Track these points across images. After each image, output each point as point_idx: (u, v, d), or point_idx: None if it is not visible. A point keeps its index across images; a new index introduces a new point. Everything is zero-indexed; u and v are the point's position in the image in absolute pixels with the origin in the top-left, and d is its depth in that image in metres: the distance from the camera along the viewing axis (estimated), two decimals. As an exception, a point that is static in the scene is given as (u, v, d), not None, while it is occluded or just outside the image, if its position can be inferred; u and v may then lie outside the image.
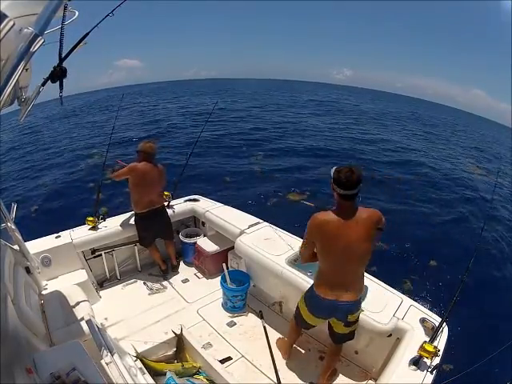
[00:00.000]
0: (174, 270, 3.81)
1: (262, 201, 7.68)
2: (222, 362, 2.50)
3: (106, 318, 2.98)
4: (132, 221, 3.57)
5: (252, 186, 8.60)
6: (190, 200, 4.16)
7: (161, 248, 3.76)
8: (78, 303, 2.62)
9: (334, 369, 2.53)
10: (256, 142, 13.37)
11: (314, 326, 2.39)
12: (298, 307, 2.37)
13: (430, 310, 2.48)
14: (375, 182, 9.40)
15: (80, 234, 3.33)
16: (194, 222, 4.26)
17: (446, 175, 11.38)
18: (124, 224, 3.55)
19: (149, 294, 3.42)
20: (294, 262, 2.86)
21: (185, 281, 3.67)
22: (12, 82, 0.88)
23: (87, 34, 1.39)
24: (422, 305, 2.53)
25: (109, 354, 1.73)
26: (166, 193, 3.80)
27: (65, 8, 1.11)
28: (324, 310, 2.17)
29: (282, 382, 2.39)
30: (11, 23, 0.88)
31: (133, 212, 3.64)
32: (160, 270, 3.73)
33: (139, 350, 2.45)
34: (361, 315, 2.29)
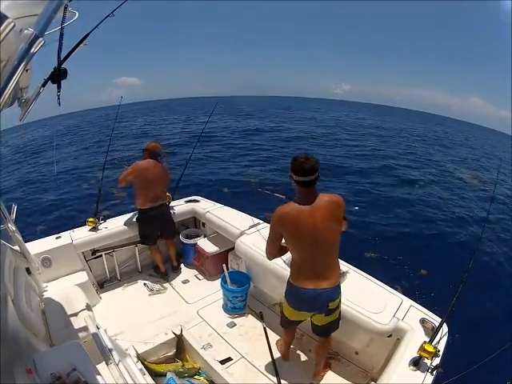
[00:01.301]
0: (175, 270, 3.82)
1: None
2: (222, 362, 2.50)
3: (106, 319, 2.98)
4: (132, 221, 3.57)
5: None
6: (190, 201, 4.16)
7: (161, 249, 3.75)
8: (78, 304, 2.62)
9: (327, 363, 2.55)
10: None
11: (299, 322, 2.39)
12: (282, 313, 2.37)
13: (430, 310, 2.48)
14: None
15: (80, 234, 3.33)
16: (195, 223, 4.26)
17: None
18: (124, 225, 3.55)
19: (149, 295, 3.43)
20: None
21: (185, 281, 3.68)
22: (12, 82, 0.88)
23: (87, 34, 1.39)
24: (422, 305, 2.53)
25: (109, 354, 1.73)
26: (167, 194, 3.82)
27: (65, 9, 1.11)
28: (305, 301, 2.13)
29: (282, 382, 2.39)
30: (11, 24, 0.88)
31: (133, 213, 3.65)
32: (159, 272, 3.73)
33: (139, 351, 2.45)
34: (361, 316, 2.29)
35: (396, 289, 2.66)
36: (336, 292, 2.10)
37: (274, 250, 2.20)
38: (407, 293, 2.69)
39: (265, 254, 2.93)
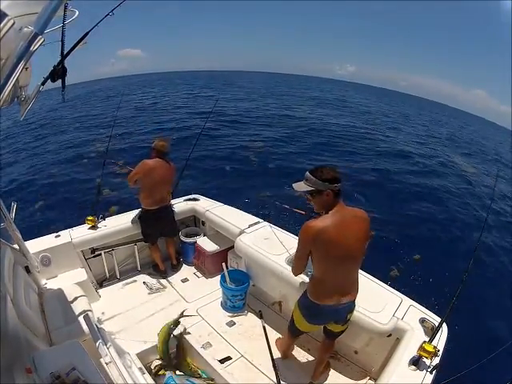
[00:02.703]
0: (174, 269, 3.82)
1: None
2: (222, 361, 2.50)
3: (105, 318, 2.98)
4: (132, 220, 3.57)
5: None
6: (189, 199, 4.15)
7: (161, 248, 3.75)
8: (77, 303, 2.62)
9: (327, 362, 2.55)
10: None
11: (306, 333, 2.39)
12: (293, 323, 2.31)
13: (430, 310, 2.48)
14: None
15: (80, 233, 3.32)
16: (194, 222, 4.26)
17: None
18: (124, 223, 3.55)
19: (148, 294, 3.42)
20: (294, 262, 2.86)
21: (184, 280, 3.68)
22: (12, 81, 0.87)
23: (87, 33, 1.38)
24: (422, 305, 2.53)
25: (108, 353, 1.73)
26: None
27: (65, 7, 1.11)
28: (324, 316, 2.14)
29: (281, 381, 2.39)
30: (11, 22, 0.88)
31: (133, 211, 3.64)
32: (158, 271, 3.73)
33: (139, 350, 2.45)
34: (360, 315, 2.29)
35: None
36: (354, 303, 2.12)
37: (303, 267, 2.06)
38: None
39: (264, 253, 2.95)
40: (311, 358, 2.68)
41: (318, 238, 1.83)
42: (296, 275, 2.20)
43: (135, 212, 3.67)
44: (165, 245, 3.83)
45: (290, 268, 2.75)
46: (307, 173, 1.90)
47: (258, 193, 7.82)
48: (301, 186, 1.92)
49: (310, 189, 1.87)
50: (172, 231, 3.76)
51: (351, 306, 2.10)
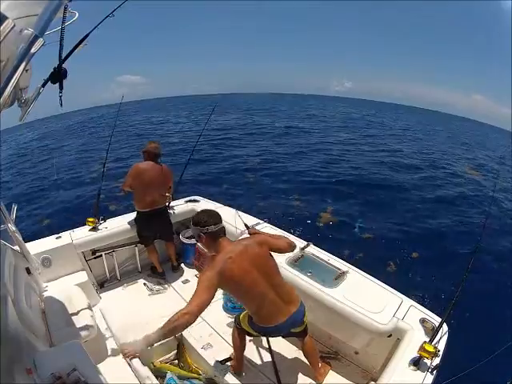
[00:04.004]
0: (175, 270, 3.81)
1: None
2: (222, 362, 2.50)
3: (106, 319, 2.97)
4: (132, 221, 3.57)
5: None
6: (190, 201, 4.16)
7: (161, 249, 3.75)
8: (78, 304, 2.62)
9: (327, 362, 2.56)
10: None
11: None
12: (239, 323, 2.30)
13: (430, 310, 2.48)
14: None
15: (80, 234, 3.33)
16: None
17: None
18: (124, 225, 3.55)
19: (149, 295, 3.43)
20: (295, 263, 2.86)
21: (185, 281, 3.68)
22: (12, 83, 0.88)
23: (87, 34, 1.39)
24: (422, 305, 2.53)
25: (109, 354, 1.73)
26: (167, 194, 3.77)
27: (65, 9, 1.11)
28: (275, 332, 2.16)
29: (282, 382, 2.39)
30: (11, 24, 0.88)
31: (133, 213, 3.64)
32: (156, 272, 3.73)
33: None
34: (361, 316, 2.29)
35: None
36: (302, 312, 2.13)
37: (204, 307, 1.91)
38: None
39: None
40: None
41: (221, 281, 1.86)
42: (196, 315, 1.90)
43: (135, 213, 3.67)
44: (164, 247, 3.82)
45: (290, 268, 2.76)
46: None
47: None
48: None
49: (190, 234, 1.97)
50: (168, 235, 3.72)
51: (299, 316, 2.12)
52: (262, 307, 1.99)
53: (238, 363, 2.42)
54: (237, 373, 2.40)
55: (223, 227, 2.03)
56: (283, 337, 2.38)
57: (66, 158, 13.54)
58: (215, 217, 2.01)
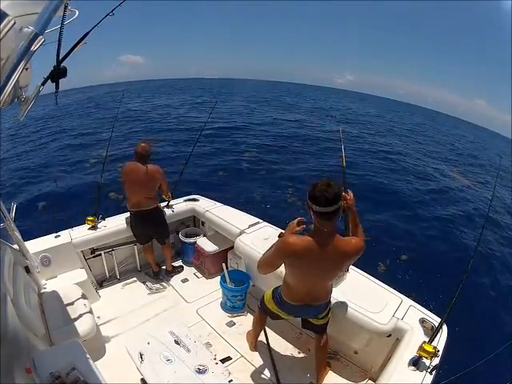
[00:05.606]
0: (168, 274, 3.73)
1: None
2: (222, 361, 2.50)
3: (105, 318, 2.97)
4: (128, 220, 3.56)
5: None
6: (189, 200, 4.15)
7: (159, 250, 3.73)
8: (77, 303, 2.62)
9: (327, 362, 2.55)
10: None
11: (282, 318, 2.44)
12: (263, 301, 2.43)
13: (430, 310, 2.48)
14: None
15: (79, 233, 3.32)
16: (194, 222, 4.26)
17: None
18: (123, 224, 3.54)
19: (148, 294, 3.42)
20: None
21: (184, 280, 3.67)
22: (12, 81, 0.87)
23: (87, 33, 1.38)
24: (422, 305, 2.53)
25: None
26: (163, 196, 3.69)
27: (65, 7, 1.11)
28: (295, 310, 2.26)
29: (281, 382, 2.39)
30: (12, 22, 0.88)
31: None
32: (152, 272, 3.70)
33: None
34: (360, 315, 2.29)
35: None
36: (324, 306, 2.22)
37: (269, 272, 2.09)
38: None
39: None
40: (311, 358, 2.68)
41: (293, 255, 1.86)
42: (261, 273, 2.16)
43: None
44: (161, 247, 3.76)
45: None
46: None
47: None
48: None
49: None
50: (159, 237, 3.61)
51: (321, 309, 2.21)
52: (296, 287, 2.09)
53: (253, 340, 2.67)
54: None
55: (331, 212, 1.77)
56: (303, 324, 2.46)
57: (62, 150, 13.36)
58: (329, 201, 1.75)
